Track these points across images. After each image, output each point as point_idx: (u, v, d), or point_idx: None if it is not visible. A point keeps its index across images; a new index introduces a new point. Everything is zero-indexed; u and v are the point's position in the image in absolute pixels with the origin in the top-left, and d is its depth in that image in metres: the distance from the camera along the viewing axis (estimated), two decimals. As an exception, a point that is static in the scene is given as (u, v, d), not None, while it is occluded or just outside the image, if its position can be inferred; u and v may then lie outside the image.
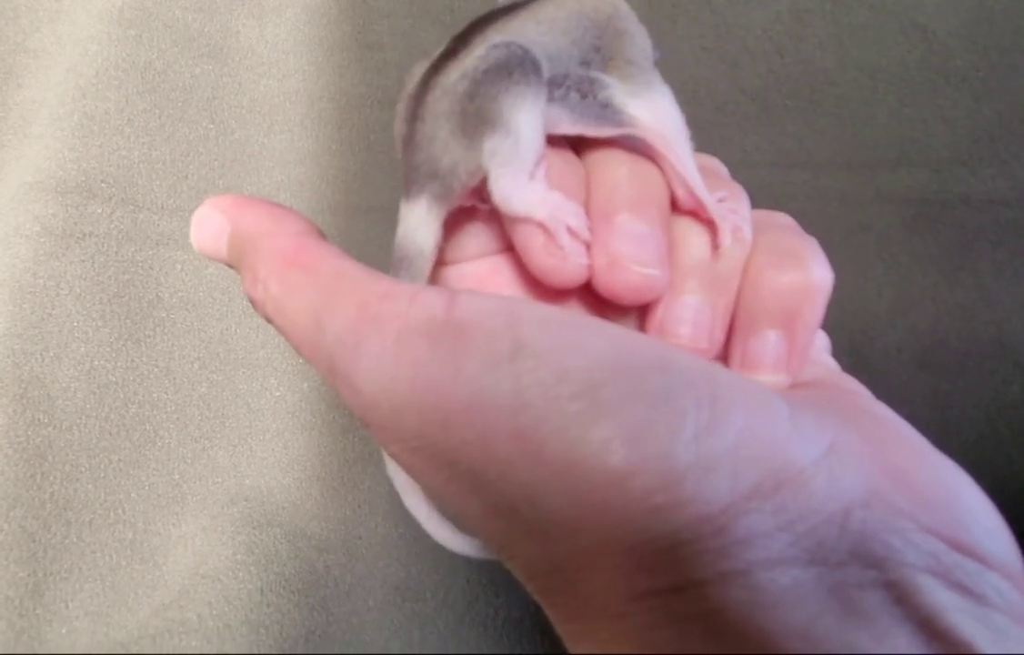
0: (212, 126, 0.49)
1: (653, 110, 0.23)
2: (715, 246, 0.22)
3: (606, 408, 0.18)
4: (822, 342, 0.25)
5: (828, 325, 0.24)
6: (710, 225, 0.23)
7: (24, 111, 0.49)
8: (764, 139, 0.50)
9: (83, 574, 0.40)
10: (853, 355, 0.45)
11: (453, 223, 0.24)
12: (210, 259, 0.24)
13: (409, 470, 0.21)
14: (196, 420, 0.44)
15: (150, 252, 0.46)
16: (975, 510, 0.19)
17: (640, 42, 0.24)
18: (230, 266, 0.23)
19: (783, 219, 0.24)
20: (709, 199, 0.22)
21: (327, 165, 0.49)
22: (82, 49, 0.49)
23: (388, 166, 0.49)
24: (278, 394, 0.45)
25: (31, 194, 0.45)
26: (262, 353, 0.45)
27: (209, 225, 0.23)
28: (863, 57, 0.51)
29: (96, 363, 0.43)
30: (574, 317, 0.20)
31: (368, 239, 0.47)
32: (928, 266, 0.48)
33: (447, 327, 0.19)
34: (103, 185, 0.46)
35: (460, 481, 0.19)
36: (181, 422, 0.44)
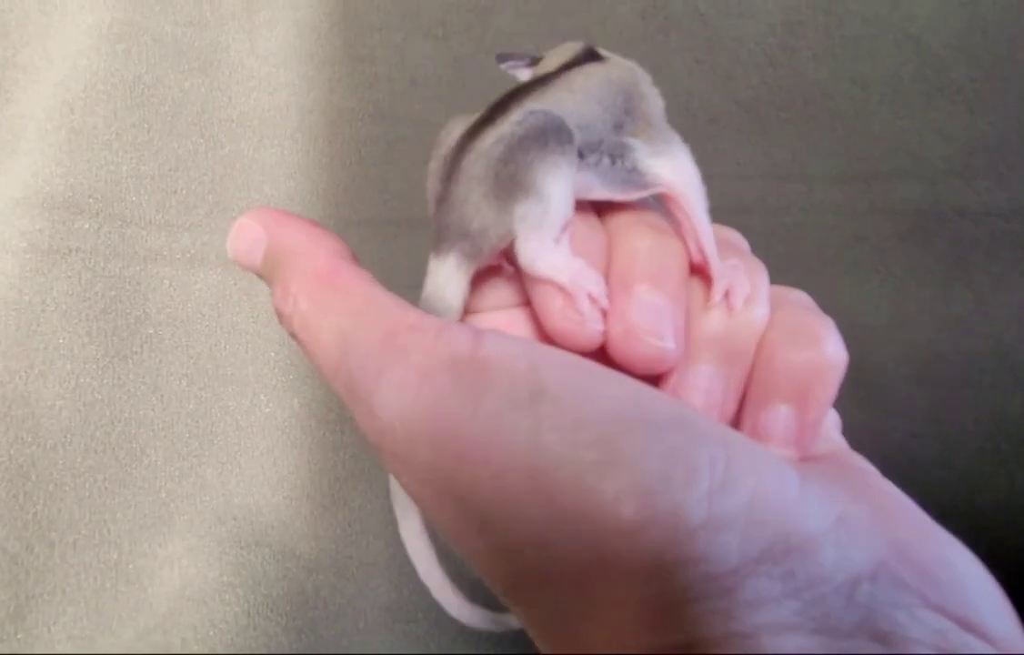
0: (201, 140, 0.48)
1: (673, 167, 0.24)
2: (707, 299, 0.23)
3: (622, 459, 0.18)
4: (832, 419, 0.26)
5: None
6: (711, 283, 0.23)
7: (12, 126, 0.49)
8: (758, 151, 0.49)
9: (66, 596, 0.40)
10: (851, 371, 0.45)
11: (476, 277, 0.24)
12: (242, 268, 0.24)
13: (417, 501, 0.21)
14: (184, 438, 0.43)
15: (138, 268, 0.45)
16: (980, 588, 0.19)
17: (656, 103, 0.26)
18: (260, 276, 0.24)
19: (799, 296, 0.25)
20: (715, 255, 0.23)
21: (318, 179, 0.49)
22: (71, 64, 0.48)
23: (379, 180, 0.49)
24: (267, 411, 0.44)
25: (18, 209, 0.45)
26: (251, 369, 0.45)
27: (248, 235, 0.24)
28: (857, 69, 0.51)
29: (82, 380, 0.43)
30: (595, 366, 0.21)
31: (359, 252, 0.46)
32: (925, 279, 0.47)
33: (471, 364, 0.19)
34: (90, 200, 0.46)
35: (468, 518, 0.19)
36: (168, 440, 0.43)
